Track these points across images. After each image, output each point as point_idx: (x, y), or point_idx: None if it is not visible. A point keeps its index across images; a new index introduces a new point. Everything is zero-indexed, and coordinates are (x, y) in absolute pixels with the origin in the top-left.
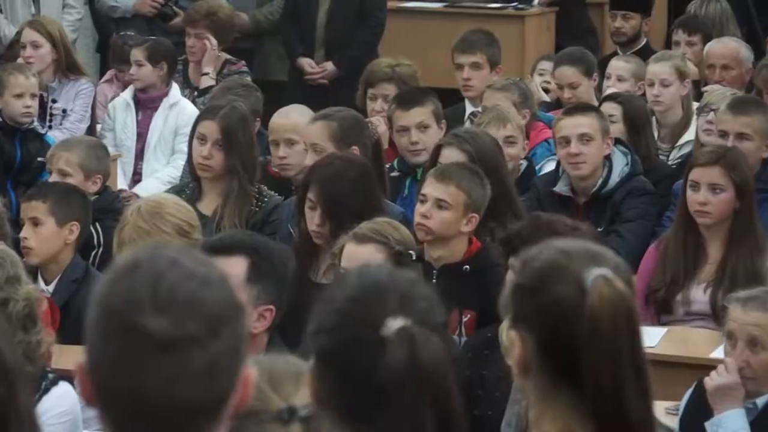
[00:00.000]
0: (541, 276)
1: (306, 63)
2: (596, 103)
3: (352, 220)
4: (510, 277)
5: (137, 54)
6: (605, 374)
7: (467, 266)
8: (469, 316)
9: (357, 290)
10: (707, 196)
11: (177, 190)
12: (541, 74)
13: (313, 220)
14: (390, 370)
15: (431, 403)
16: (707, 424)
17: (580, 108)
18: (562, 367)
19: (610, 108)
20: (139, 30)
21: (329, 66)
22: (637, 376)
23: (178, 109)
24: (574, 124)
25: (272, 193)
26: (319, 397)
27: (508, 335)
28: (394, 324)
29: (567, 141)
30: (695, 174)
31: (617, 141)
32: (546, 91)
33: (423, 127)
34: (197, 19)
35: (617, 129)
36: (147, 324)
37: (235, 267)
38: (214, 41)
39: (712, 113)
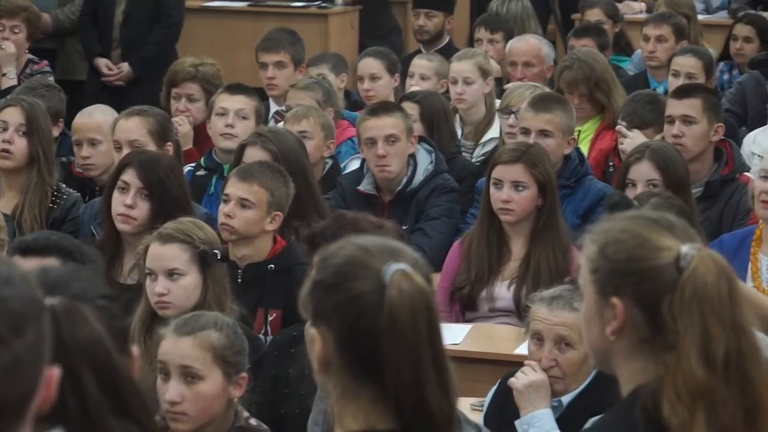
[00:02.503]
0: (340, 272)
1: (102, 63)
2: (393, 100)
3: (167, 204)
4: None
5: None
6: (405, 368)
7: (272, 265)
8: (274, 315)
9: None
10: (510, 193)
11: None
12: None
13: (124, 201)
14: None
15: (91, 370)
16: (517, 423)
17: (385, 108)
18: (363, 363)
19: (408, 107)
20: None
21: (125, 67)
22: (437, 370)
23: None
24: (379, 125)
25: (71, 190)
26: None
27: (308, 333)
28: None
29: (373, 142)
30: (498, 172)
31: (421, 139)
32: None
33: (242, 116)
34: (16, 11)
35: (416, 128)
36: None
37: None
38: (7, 44)
39: (512, 116)
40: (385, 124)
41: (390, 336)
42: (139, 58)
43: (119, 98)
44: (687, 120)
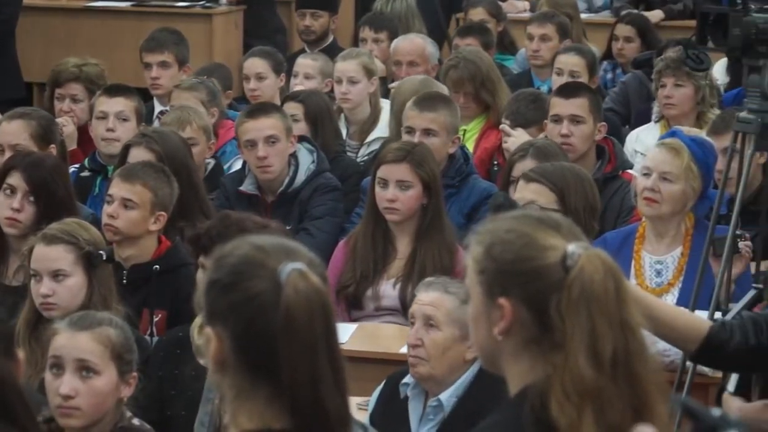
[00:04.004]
0: (236, 271)
1: None
2: (278, 101)
3: (53, 206)
4: (200, 275)
5: None
6: (301, 367)
7: (157, 266)
8: (160, 315)
9: None
10: (395, 192)
11: None
12: None
13: (11, 205)
14: None
15: None
16: None
17: (263, 109)
18: (259, 363)
19: (292, 107)
20: None
21: None
22: (333, 369)
23: None
24: (258, 127)
25: None
26: None
27: (203, 332)
28: None
29: (253, 144)
30: (383, 171)
31: (303, 138)
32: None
33: (122, 119)
34: None
35: (300, 128)
36: None
37: None
38: None
39: None
40: (264, 126)
41: (286, 335)
42: None
43: None
44: (575, 119)
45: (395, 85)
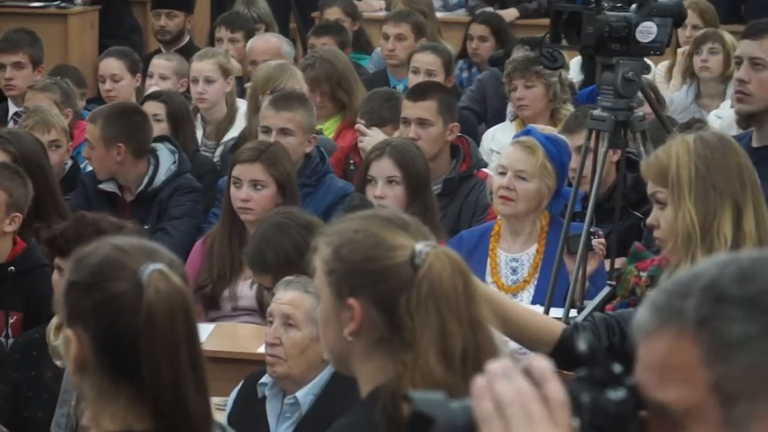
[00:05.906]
0: (97, 272)
1: None
2: (134, 101)
3: None
4: (56, 277)
5: None
6: (163, 368)
7: (12, 267)
8: (15, 317)
9: None
10: (249, 192)
11: None
12: None
13: None
14: None
15: None
16: None
17: None
18: (121, 364)
19: (154, 107)
20: None
21: None
22: (194, 370)
23: None
24: None
25: None
26: None
27: (62, 333)
28: None
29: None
30: (237, 170)
31: (165, 138)
32: None
33: None
34: None
35: (162, 127)
36: None
37: None
38: None
39: None
40: None
41: (148, 336)
42: None
43: None
44: (423, 123)
45: None
